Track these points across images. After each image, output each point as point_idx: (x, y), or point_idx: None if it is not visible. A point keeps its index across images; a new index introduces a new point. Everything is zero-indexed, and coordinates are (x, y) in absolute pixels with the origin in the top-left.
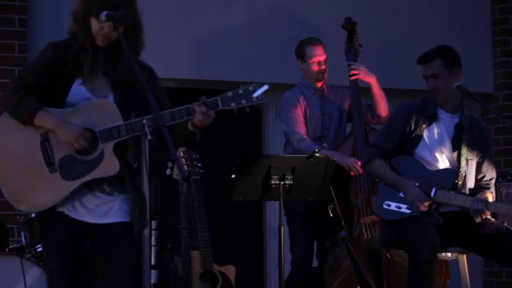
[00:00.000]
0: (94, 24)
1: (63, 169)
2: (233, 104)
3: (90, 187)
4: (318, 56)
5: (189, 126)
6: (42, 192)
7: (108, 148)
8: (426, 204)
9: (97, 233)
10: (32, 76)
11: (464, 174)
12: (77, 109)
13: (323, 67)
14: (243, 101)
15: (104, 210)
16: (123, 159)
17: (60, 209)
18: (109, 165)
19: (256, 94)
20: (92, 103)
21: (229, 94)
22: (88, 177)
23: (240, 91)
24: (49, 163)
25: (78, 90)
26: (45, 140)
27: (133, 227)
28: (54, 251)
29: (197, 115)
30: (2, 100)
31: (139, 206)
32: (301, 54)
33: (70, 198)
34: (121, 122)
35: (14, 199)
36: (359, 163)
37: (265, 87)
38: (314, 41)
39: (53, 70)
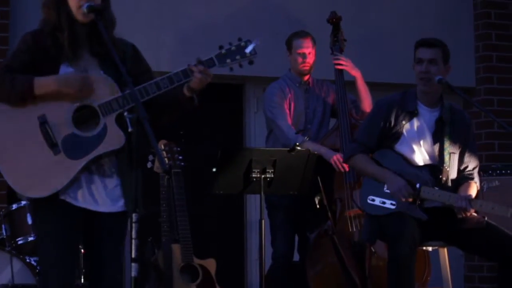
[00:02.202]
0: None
1: (67, 149)
2: (228, 61)
3: (90, 169)
4: (304, 48)
5: (185, 91)
6: (50, 175)
7: (110, 121)
8: (411, 194)
9: (96, 221)
10: (16, 61)
11: (448, 169)
12: None
13: (307, 59)
14: (237, 57)
15: (106, 198)
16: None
17: (62, 197)
18: (114, 138)
19: (248, 50)
20: None
21: (223, 51)
22: (95, 153)
23: (233, 48)
24: (52, 144)
25: (66, 72)
26: (43, 122)
27: (127, 214)
28: (53, 241)
29: (196, 74)
30: None
31: (135, 190)
32: (289, 45)
33: (73, 184)
34: (119, 94)
35: (22, 188)
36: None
37: (257, 41)
38: (302, 34)
39: (36, 58)
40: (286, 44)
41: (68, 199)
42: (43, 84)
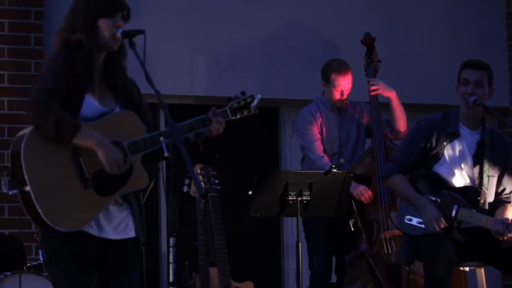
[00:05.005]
0: (105, 25)
1: (96, 185)
2: (238, 115)
3: None
4: (343, 86)
5: (191, 137)
6: (80, 210)
7: (136, 160)
8: (443, 226)
9: (115, 249)
10: (57, 86)
11: (486, 192)
12: (102, 122)
13: (345, 97)
14: (245, 112)
15: (120, 225)
16: None
17: (83, 228)
18: (139, 178)
19: (253, 104)
20: (116, 116)
21: (234, 105)
22: (121, 191)
23: (242, 102)
24: (84, 179)
25: (90, 102)
26: (77, 156)
27: (139, 241)
28: (66, 269)
29: (214, 124)
30: (32, 115)
31: (140, 218)
32: (326, 77)
33: None
34: (146, 135)
35: (53, 221)
36: (369, 192)
37: (259, 97)
38: (342, 69)
39: (67, 85)
40: (322, 73)
41: (89, 230)
42: (85, 139)
